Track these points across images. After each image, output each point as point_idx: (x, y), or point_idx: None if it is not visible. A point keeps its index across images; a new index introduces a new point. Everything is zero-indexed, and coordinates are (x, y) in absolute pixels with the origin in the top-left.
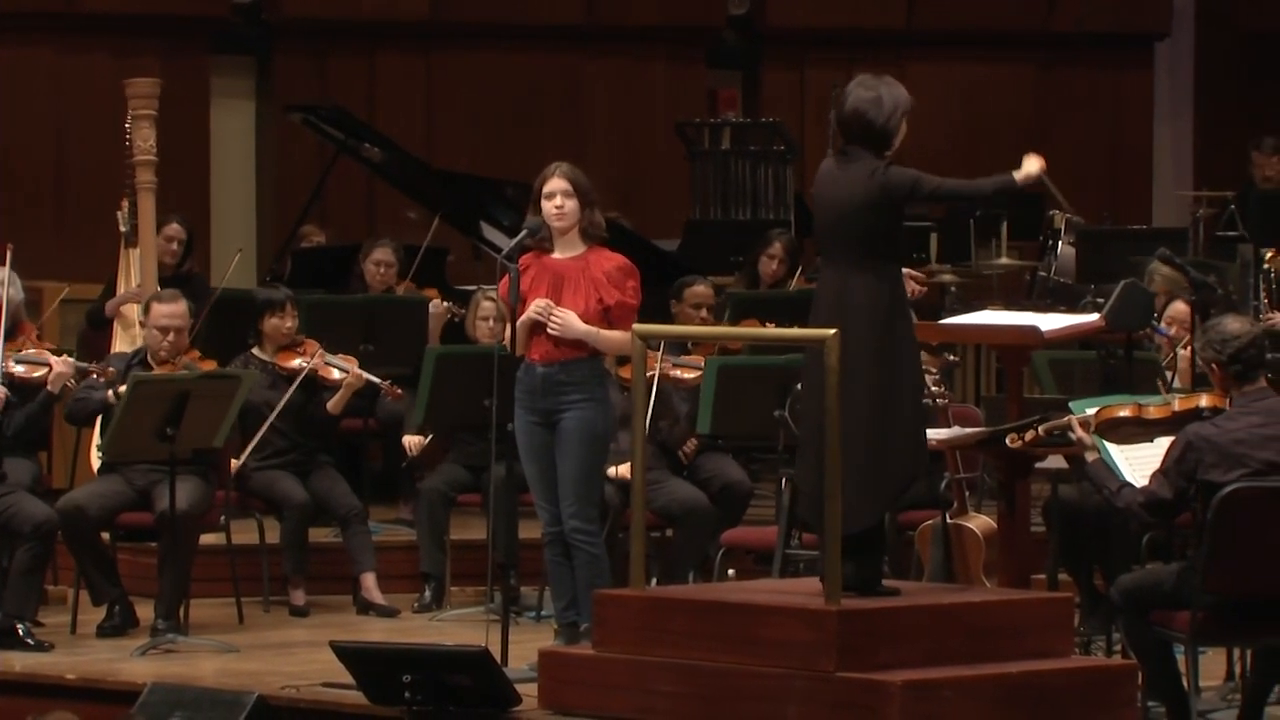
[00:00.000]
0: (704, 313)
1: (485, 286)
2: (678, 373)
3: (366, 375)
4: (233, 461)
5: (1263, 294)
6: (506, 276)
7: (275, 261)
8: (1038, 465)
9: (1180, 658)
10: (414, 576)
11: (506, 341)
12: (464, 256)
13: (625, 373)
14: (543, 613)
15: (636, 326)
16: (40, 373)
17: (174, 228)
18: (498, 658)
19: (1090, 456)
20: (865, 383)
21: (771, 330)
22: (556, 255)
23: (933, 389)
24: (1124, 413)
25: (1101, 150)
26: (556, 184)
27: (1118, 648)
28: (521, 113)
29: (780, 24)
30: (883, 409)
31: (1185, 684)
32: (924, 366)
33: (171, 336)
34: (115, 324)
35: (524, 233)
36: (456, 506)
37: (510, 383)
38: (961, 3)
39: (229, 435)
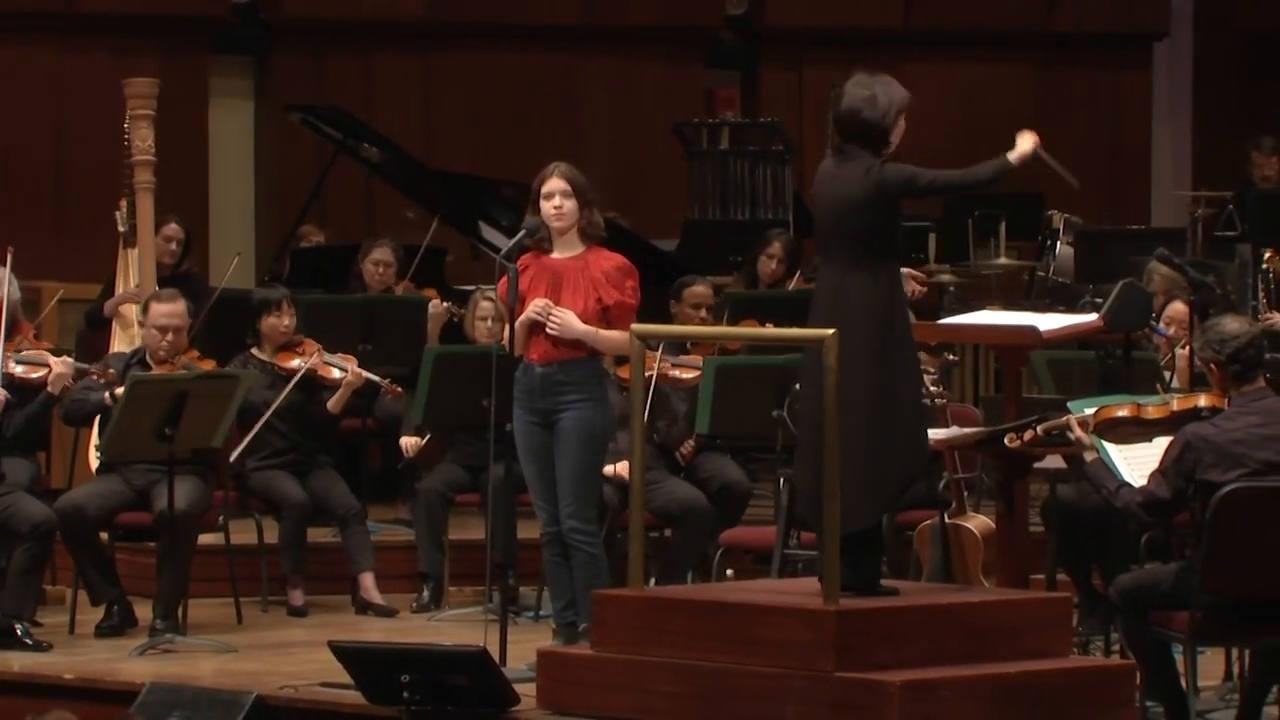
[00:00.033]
0: (703, 313)
1: (484, 286)
2: (676, 373)
3: (366, 374)
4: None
5: (1261, 294)
6: (505, 276)
7: (274, 261)
8: (1036, 465)
9: (1179, 658)
10: (412, 576)
11: (505, 341)
12: (462, 256)
13: (624, 373)
14: (541, 613)
15: (635, 326)
16: (40, 373)
17: (172, 228)
18: (496, 658)
19: (1089, 456)
20: (864, 383)
21: (770, 330)
22: (555, 255)
23: (931, 389)
24: (1122, 412)
25: (1100, 150)
26: (555, 184)
27: (1116, 648)
28: (520, 113)
29: (778, 24)
30: (882, 409)
31: (1184, 684)
32: (923, 366)
33: (170, 336)
34: (114, 324)
35: (522, 233)
36: (455, 506)
37: (509, 383)
38: (960, 3)
39: (228, 435)
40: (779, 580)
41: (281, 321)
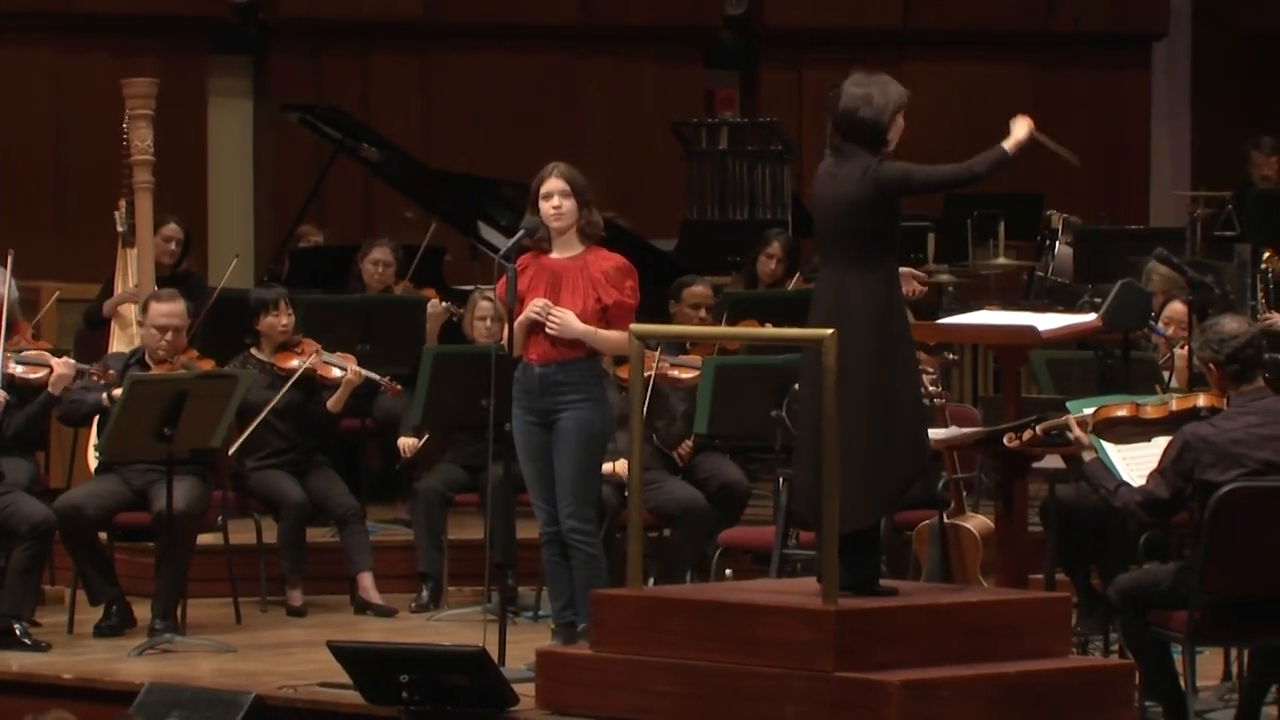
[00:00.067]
0: (702, 313)
1: (483, 286)
2: (675, 373)
3: (365, 372)
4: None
5: (1260, 294)
6: (504, 276)
7: (273, 261)
8: (1035, 465)
9: (1177, 657)
10: (411, 576)
11: (504, 341)
12: (461, 256)
13: (623, 372)
14: (540, 613)
15: (634, 326)
16: (40, 374)
17: (172, 228)
18: (495, 658)
19: (1087, 456)
20: (864, 383)
21: (769, 330)
22: (554, 255)
23: (930, 389)
24: (1121, 412)
25: (1099, 150)
26: (554, 184)
27: (1115, 647)
28: (518, 112)
29: (777, 24)
30: (882, 409)
31: (1182, 684)
32: (921, 366)
33: (169, 336)
34: (113, 324)
35: (521, 232)
36: (454, 506)
37: (508, 382)
38: (959, 2)
39: (227, 435)
40: (778, 580)
41: (280, 321)
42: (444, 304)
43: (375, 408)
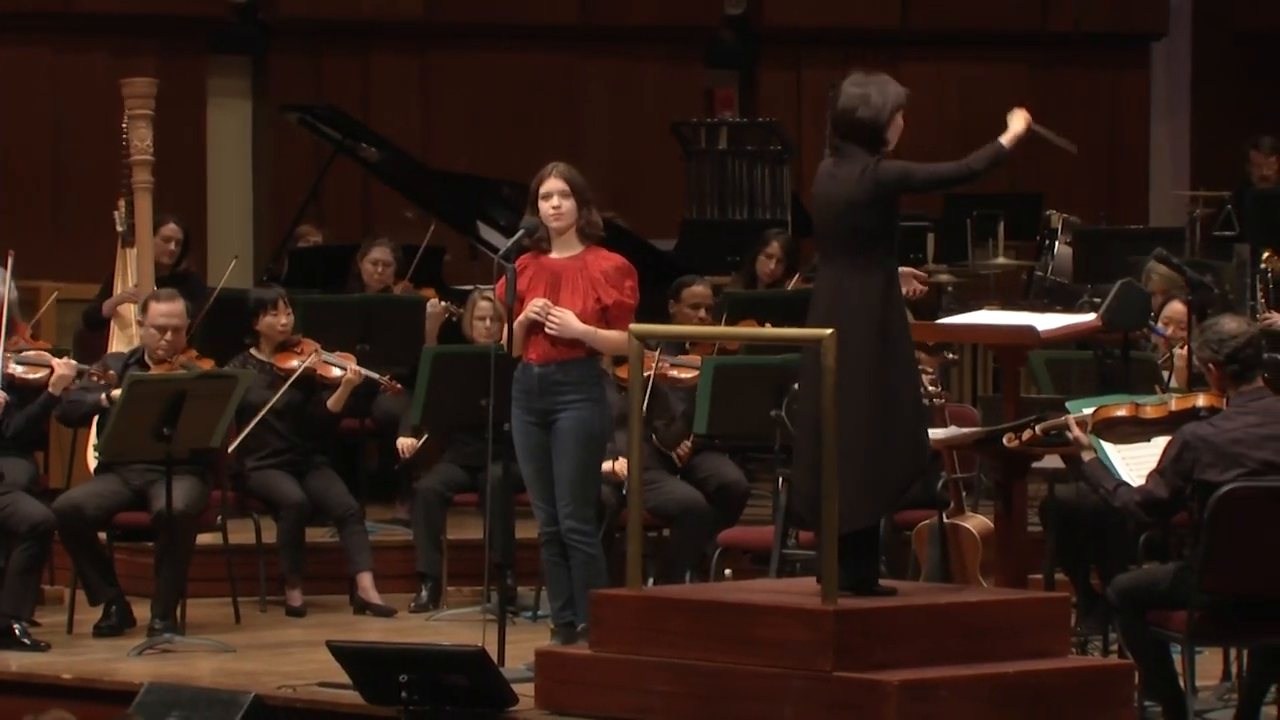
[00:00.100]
0: (702, 313)
1: (482, 286)
2: (675, 372)
3: (365, 371)
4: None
5: (1259, 294)
6: (504, 276)
7: (272, 261)
8: (1034, 465)
9: (1177, 657)
10: (410, 576)
11: (504, 341)
12: (461, 256)
13: (622, 372)
14: (539, 612)
15: (633, 326)
16: (41, 374)
17: (171, 228)
18: (494, 658)
19: (1086, 456)
20: (863, 382)
21: (768, 330)
22: (554, 255)
23: (929, 389)
24: (1121, 412)
25: (1098, 150)
26: (553, 184)
27: (1114, 647)
28: (518, 113)
29: (777, 23)
30: (882, 409)
31: (1182, 684)
32: (921, 366)
33: (169, 335)
34: (112, 324)
35: (521, 232)
36: (453, 506)
37: (507, 382)
38: (957, 2)
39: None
40: (777, 580)
41: (278, 320)
42: (443, 304)
43: (374, 408)
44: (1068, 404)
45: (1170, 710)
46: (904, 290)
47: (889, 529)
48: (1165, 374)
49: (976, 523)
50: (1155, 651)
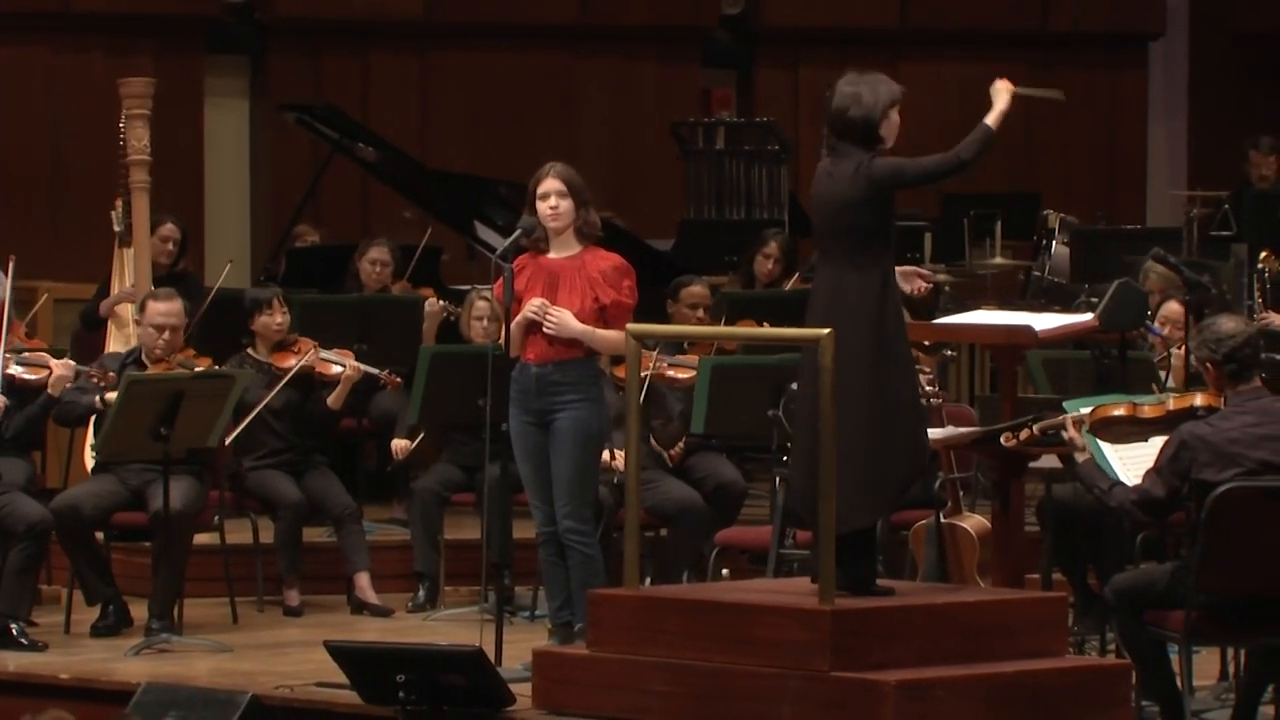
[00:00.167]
0: (700, 313)
1: (480, 286)
2: (672, 372)
3: (364, 367)
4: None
5: (1256, 294)
6: (502, 276)
7: (270, 261)
8: (1032, 465)
9: (1174, 657)
10: (408, 576)
11: (501, 341)
12: (458, 256)
13: (620, 372)
14: (537, 612)
15: (631, 326)
16: (40, 375)
17: (169, 228)
18: (492, 657)
19: (1080, 457)
20: (861, 381)
21: (766, 330)
22: (552, 255)
23: (927, 389)
24: (1119, 412)
25: (1096, 150)
26: (551, 184)
27: (1111, 647)
28: (516, 112)
29: (774, 23)
30: (881, 408)
31: (1179, 684)
32: (919, 366)
33: (167, 335)
34: (109, 324)
35: (518, 232)
36: (451, 506)
37: (505, 382)
38: (956, 2)
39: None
40: (774, 580)
41: (274, 320)
42: (441, 303)
43: (372, 407)
44: (1065, 404)
45: (1167, 710)
46: (908, 289)
47: (886, 529)
48: (1162, 374)
49: (974, 523)
50: (1152, 651)
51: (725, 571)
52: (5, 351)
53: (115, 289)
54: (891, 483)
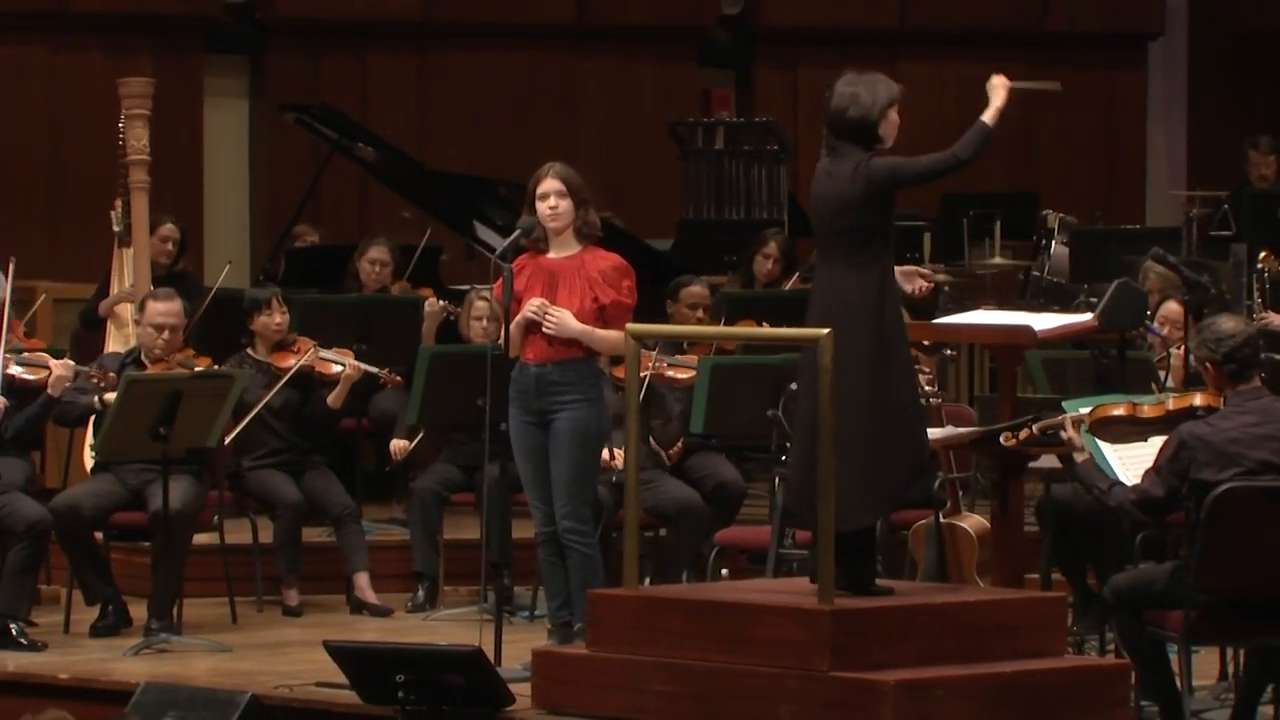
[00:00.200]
0: (700, 313)
1: (479, 286)
2: (671, 372)
3: (364, 366)
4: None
5: (1256, 293)
6: (501, 276)
7: (269, 261)
8: (1031, 465)
9: (1173, 657)
10: (407, 576)
11: (501, 341)
12: (458, 256)
13: (619, 372)
14: (536, 612)
15: (630, 326)
16: (40, 375)
17: (168, 228)
18: (491, 657)
19: (1080, 457)
20: (860, 381)
21: (765, 330)
22: (551, 255)
23: (926, 389)
24: (1118, 411)
25: (1095, 150)
26: (550, 184)
27: (1111, 647)
28: (514, 112)
29: (773, 23)
30: (881, 408)
31: (1178, 683)
32: (918, 366)
33: (166, 334)
34: (109, 324)
35: (517, 232)
36: (450, 506)
37: (504, 382)
38: (954, 2)
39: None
40: (774, 580)
41: (273, 320)
42: (441, 303)
43: (371, 408)
44: (1064, 404)
45: (1167, 710)
46: (909, 288)
47: (885, 529)
48: (1161, 374)
49: (973, 522)
50: (1152, 651)
51: (724, 571)
52: (5, 352)
53: (114, 289)
54: (892, 482)
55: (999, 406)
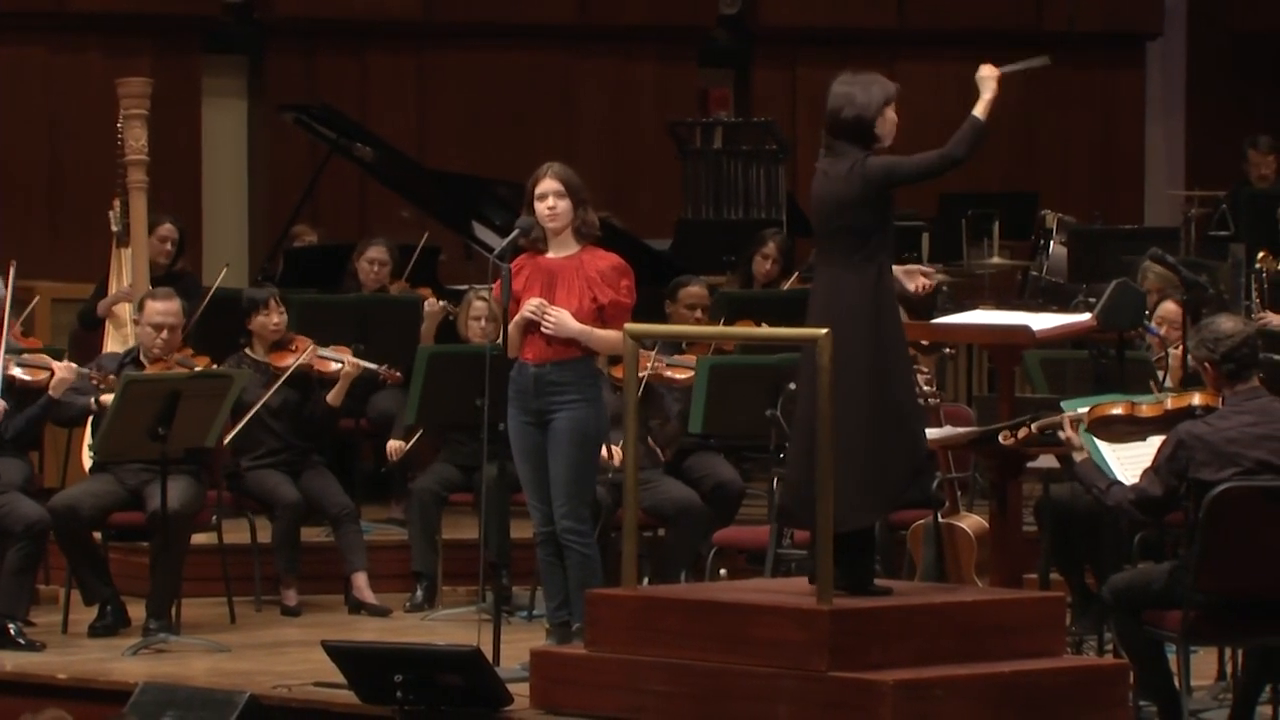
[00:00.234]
0: (699, 313)
1: (477, 286)
2: (670, 372)
3: (362, 363)
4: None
5: (1254, 293)
6: (500, 276)
7: (267, 261)
8: (1029, 465)
9: (1172, 657)
10: (406, 576)
11: (500, 341)
12: (456, 256)
13: (618, 372)
14: (534, 612)
15: (629, 326)
16: (41, 377)
17: (167, 228)
18: (489, 657)
19: (1078, 456)
20: (859, 381)
21: (764, 330)
22: (550, 255)
23: (925, 389)
24: (1116, 411)
25: (1093, 149)
26: (549, 184)
27: (1109, 647)
28: (514, 112)
29: (771, 23)
30: (881, 408)
31: (1177, 683)
32: (916, 366)
33: (165, 334)
34: (107, 324)
35: (516, 232)
36: (448, 506)
37: (502, 382)
38: (953, 2)
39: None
40: (772, 580)
41: (270, 320)
42: (441, 303)
43: (370, 408)
44: (1063, 404)
45: (1165, 710)
46: (912, 287)
47: (884, 529)
48: (1160, 373)
49: (971, 522)
50: (1150, 651)
51: (723, 571)
52: (5, 353)
53: (113, 289)
54: (891, 483)
55: (997, 406)
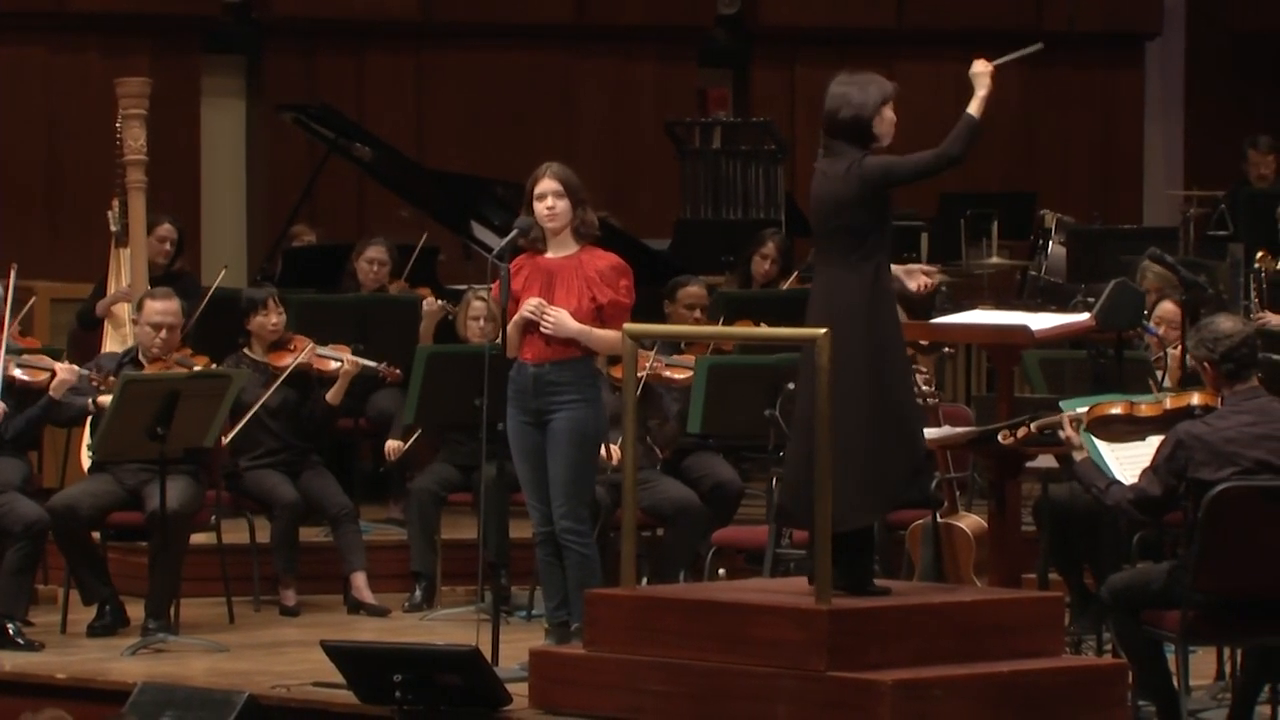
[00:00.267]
0: (697, 313)
1: (476, 286)
2: (669, 372)
3: (362, 361)
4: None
5: (1253, 293)
6: (499, 276)
7: (266, 261)
8: (1028, 465)
9: (1171, 657)
10: (404, 576)
11: (499, 341)
12: (455, 256)
13: (617, 372)
14: (533, 612)
15: (628, 326)
16: (40, 378)
17: (166, 228)
18: (488, 657)
19: (1077, 456)
20: (858, 381)
21: (763, 330)
22: (549, 255)
23: (923, 388)
24: (1115, 411)
25: (1092, 149)
26: (548, 184)
27: (1108, 647)
28: (513, 112)
29: (770, 23)
30: (881, 408)
31: (1176, 683)
32: (915, 366)
33: (164, 334)
34: (106, 324)
35: (515, 232)
36: (447, 506)
37: (501, 382)
38: (952, 1)
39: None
40: (771, 580)
41: (269, 320)
42: (440, 302)
43: (369, 407)
44: (1062, 404)
45: (1164, 710)
46: (913, 286)
47: (882, 529)
48: (1159, 373)
49: (970, 522)
50: (1149, 651)
51: (722, 571)
52: (5, 355)
53: (112, 289)
54: (890, 482)
55: (996, 406)
